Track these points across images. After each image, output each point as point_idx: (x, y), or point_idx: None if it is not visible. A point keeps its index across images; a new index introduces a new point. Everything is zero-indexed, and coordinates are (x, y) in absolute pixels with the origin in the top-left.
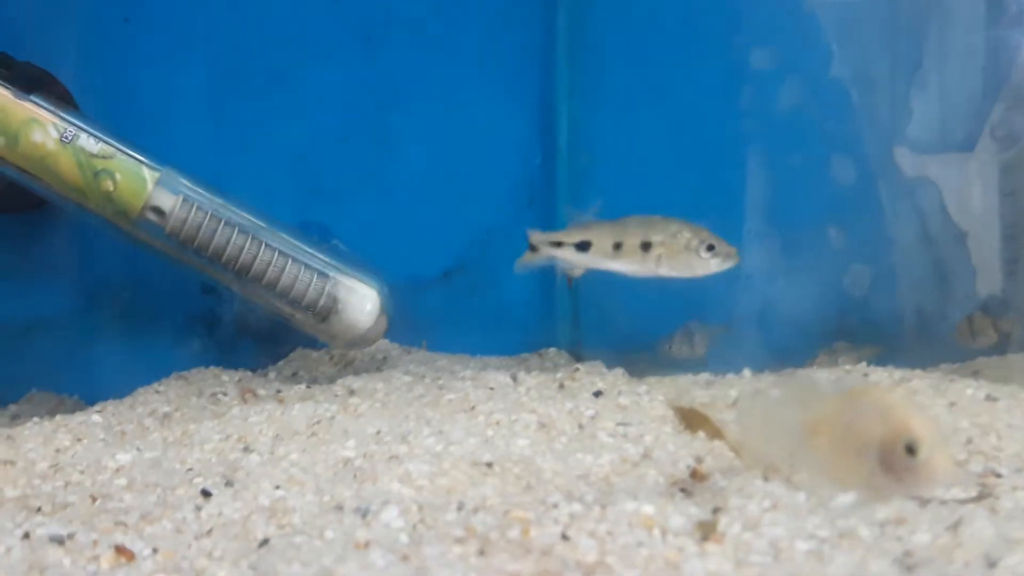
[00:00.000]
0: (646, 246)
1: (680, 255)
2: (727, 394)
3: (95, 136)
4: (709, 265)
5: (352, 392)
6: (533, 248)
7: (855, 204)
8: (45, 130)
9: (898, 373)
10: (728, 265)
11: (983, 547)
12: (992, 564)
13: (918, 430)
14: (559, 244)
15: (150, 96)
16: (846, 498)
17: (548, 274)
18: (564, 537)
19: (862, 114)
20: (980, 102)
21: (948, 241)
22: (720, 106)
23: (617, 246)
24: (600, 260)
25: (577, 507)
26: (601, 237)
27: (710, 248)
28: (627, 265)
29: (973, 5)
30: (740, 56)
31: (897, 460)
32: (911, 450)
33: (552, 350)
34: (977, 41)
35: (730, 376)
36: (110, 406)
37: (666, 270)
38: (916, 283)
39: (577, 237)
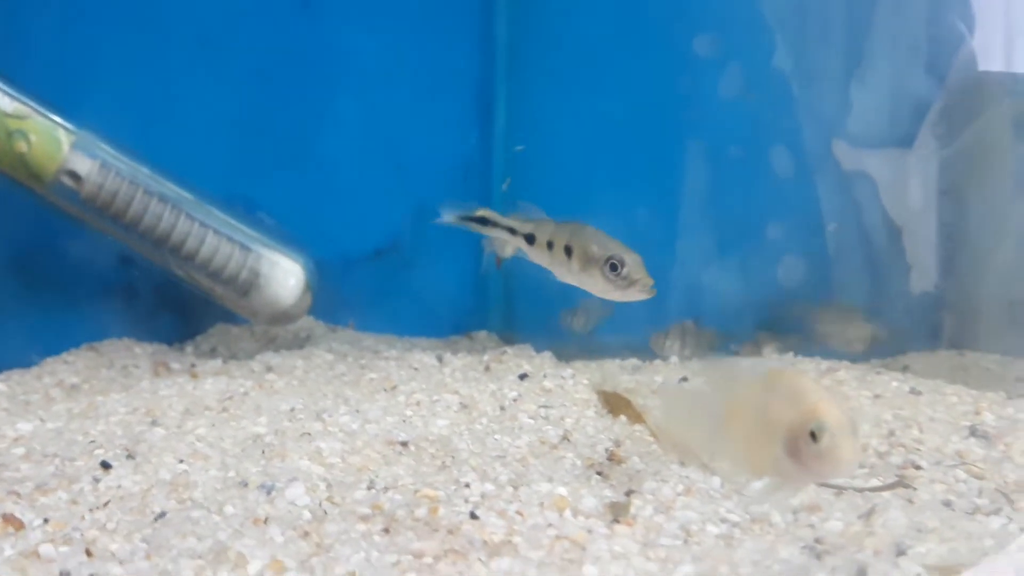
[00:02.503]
0: (568, 251)
1: (591, 270)
2: (652, 380)
3: (10, 95)
4: (613, 289)
5: (269, 368)
6: (479, 222)
7: (791, 195)
8: None
9: (825, 364)
10: (638, 298)
11: (894, 535)
12: (902, 552)
13: (824, 415)
14: (512, 231)
15: (67, 56)
16: (759, 484)
17: (480, 256)
18: (473, 516)
19: (801, 106)
20: (920, 98)
21: (883, 236)
22: (659, 92)
23: (550, 245)
24: (539, 255)
25: (490, 487)
26: (542, 233)
27: (616, 271)
28: (554, 267)
29: (916, 1)
30: (681, 43)
31: (803, 446)
32: (815, 436)
33: (483, 333)
34: (919, 37)
35: (657, 362)
36: (16, 375)
37: (579, 280)
38: (849, 277)
39: (528, 229)
